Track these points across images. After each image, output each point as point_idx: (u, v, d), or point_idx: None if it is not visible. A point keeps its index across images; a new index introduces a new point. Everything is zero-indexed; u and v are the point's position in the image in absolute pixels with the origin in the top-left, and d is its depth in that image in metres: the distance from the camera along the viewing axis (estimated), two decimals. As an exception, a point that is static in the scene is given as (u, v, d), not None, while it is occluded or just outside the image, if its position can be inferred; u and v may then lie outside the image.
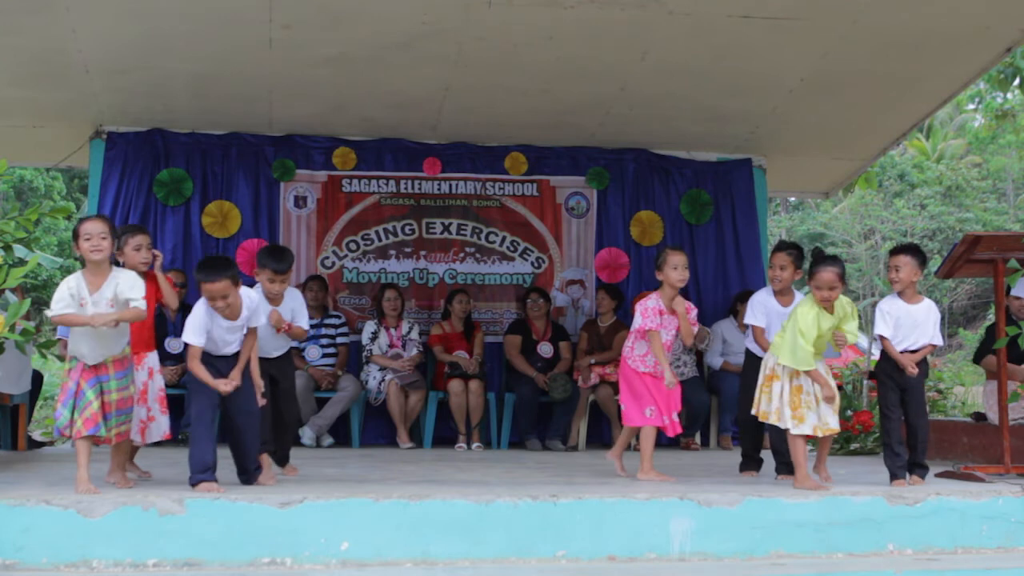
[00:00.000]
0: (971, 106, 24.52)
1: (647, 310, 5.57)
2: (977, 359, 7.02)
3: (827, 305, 5.04)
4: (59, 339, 7.62)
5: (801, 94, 7.73)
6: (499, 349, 8.62)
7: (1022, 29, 6.81)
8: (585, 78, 7.49)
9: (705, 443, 8.38)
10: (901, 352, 5.16)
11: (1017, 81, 9.85)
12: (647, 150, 9.04)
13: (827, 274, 5.00)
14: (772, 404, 5.10)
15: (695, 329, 5.84)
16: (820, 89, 7.63)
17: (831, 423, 5.06)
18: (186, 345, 4.83)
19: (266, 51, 6.95)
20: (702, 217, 9.05)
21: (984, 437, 6.61)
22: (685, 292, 8.76)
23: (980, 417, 6.79)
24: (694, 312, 5.77)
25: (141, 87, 7.61)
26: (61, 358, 7.32)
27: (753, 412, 5.24)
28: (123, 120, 8.27)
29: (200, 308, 4.77)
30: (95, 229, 4.56)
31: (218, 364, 4.87)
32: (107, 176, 8.31)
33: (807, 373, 5.01)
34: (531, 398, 8.09)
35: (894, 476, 5.10)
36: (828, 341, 5.10)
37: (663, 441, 8.45)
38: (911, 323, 5.20)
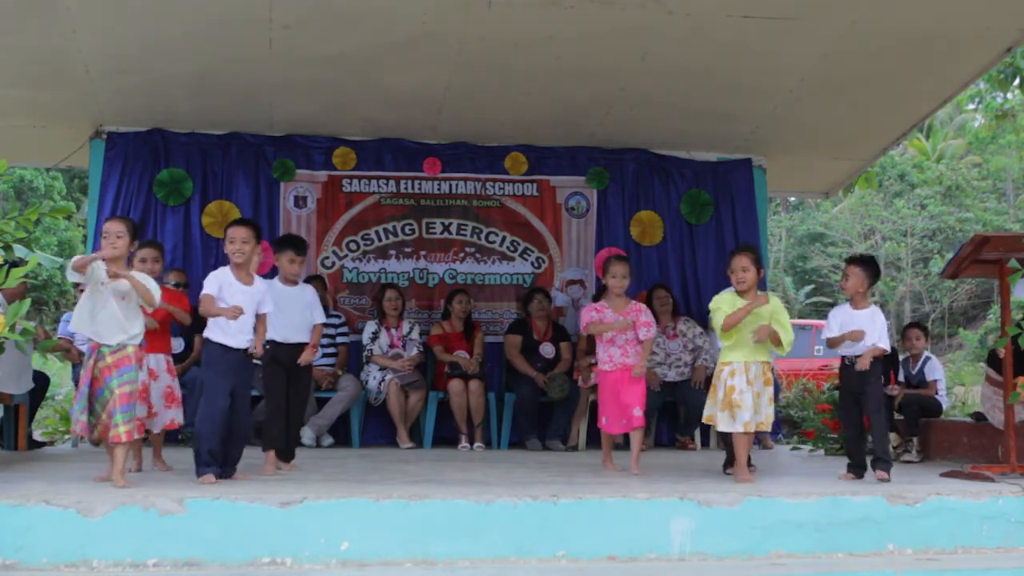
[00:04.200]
0: (971, 106, 24.52)
1: (582, 314, 6.23)
2: (994, 364, 6.63)
3: (743, 287, 5.51)
4: (60, 337, 7.64)
5: (801, 94, 7.73)
6: (499, 349, 8.62)
7: (1022, 29, 6.81)
8: (585, 78, 7.49)
9: (705, 443, 8.37)
10: (845, 355, 5.66)
11: (1017, 81, 9.85)
12: (647, 150, 9.04)
13: (739, 258, 5.54)
14: (714, 408, 5.52)
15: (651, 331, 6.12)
16: (820, 89, 7.64)
17: (765, 420, 5.46)
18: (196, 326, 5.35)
19: (266, 51, 6.95)
20: (702, 217, 9.05)
21: (984, 437, 6.61)
22: (685, 291, 8.85)
23: (980, 417, 6.79)
24: (642, 315, 6.09)
25: (141, 87, 7.61)
26: (67, 353, 7.40)
27: (704, 420, 5.68)
28: (123, 120, 8.27)
29: (218, 270, 5.24)
30: (113, 228, 4.83)
31: (229, 356, 5.09)
32: (107, 176, 8.31)
33: (731, 316, 5.40)
34: (531, 398, 8.10)
35: (848, 470, 5.63)
36: (761, 336, 5.42)
37: (663, 441, 8.51)
38: (854, 326, 5.60)
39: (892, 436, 7.37)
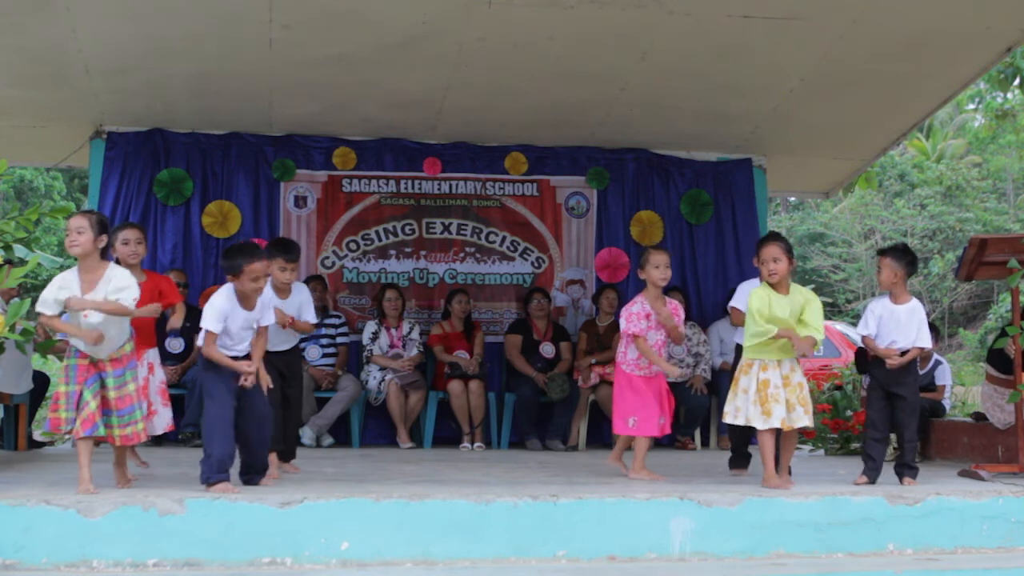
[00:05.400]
0: (971, 106, 24.52)
1: (631, 315, 5.66)
2: (1002, 368, 6.37)
3: (775, 280, 5.12)
4: (59, 339, 7.64)
5: (801, 94, 7.73)
6: (499, 349, 8.62)
7: (1022, 29, 6.82)
8: (585, 78, 7.49)
9: (705, 443, 8.38)
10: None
11: (1017, 81, 9.84)
12: (647, 150, 9.04)
13: (770, 248, 5.12)
14: (736, 402, 5.18)
15: (682, 329, 5.91)
16: (820, 89, 7.64)
17: (800, 420, 5.10)
18: (198, 346, 4.88)
19: (266, 51, 6.95)
20: (702, 217, 9.05)
21: (984, 437, 6.61)
22: (685, 291, 8.85)
23: (980, 417, 6.79)
24: (681, 314, 5.87)
25: (141, 87, 7.61)
26: (61, 355, 7.38)
27: (725, 419, 5.31)
28: (123, 120, 8.27)
29: (221, 296, 4.79)
30: (72, 224, 4.59)
31: (227, 370, 4.85)
32: (107, 176, 8.31)
33: (772, 339, 5.03)
34: (531, 398, 8.09)
35: (862, 473, 5.24)
36: (795, 337, 5.08)
37: (663, 441, 8.49)
38: (894, 322, 5.31)
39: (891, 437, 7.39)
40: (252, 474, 4.94)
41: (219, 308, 4.75)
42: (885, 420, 5.35)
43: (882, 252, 5.47)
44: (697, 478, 5.53)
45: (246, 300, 4.84)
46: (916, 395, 5.40)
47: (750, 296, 5.21)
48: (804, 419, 5.10)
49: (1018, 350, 5.62)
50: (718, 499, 4.45)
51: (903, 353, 5.29)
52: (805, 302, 5.17)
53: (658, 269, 5.67)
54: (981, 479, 5.32)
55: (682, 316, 5.87)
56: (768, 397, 5.07)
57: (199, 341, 4.88)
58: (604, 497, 4.41)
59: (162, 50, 6.96)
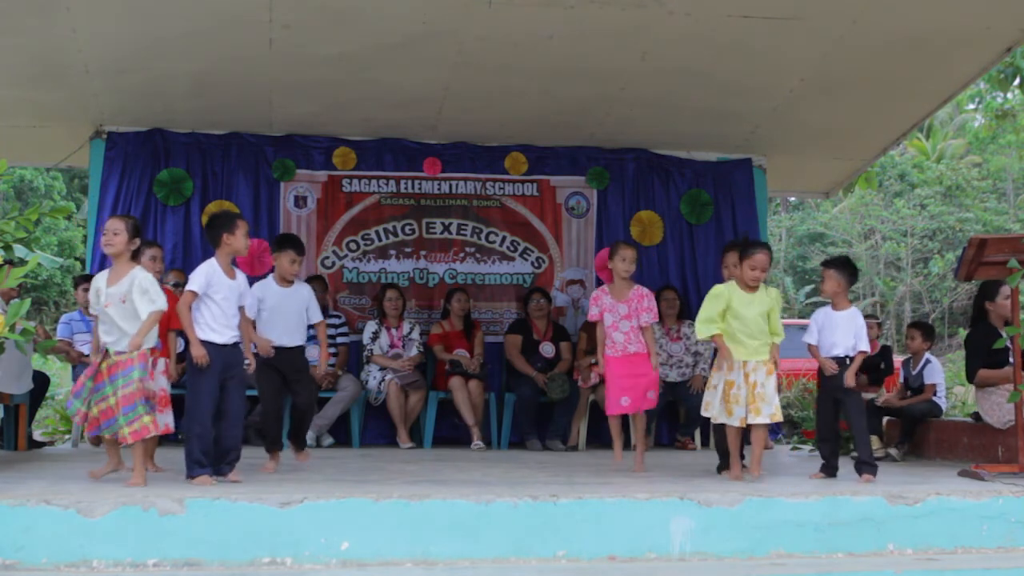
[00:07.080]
0: (971, 106, 24.50)
1: (591, 300, 6.14)
2: (970, 377, 6.65)
3: (755, 284, 5.50)
4: (60, 339, 7.64)
5: (801, 94, 7.73)
6: (499, 349, 8.62)
7: (1022, 29, 6.82)
8: (585, 78, 7.49)
9: (705, 443, 8.37)
10: (827, 356, 5.66)
11: (1017, 81, 9.84)
12: (647, 150, 9.04)
13: (761, 255, 5.50)
14: (707, 398, 5.58)
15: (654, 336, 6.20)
16: (820, 89, 7.64)
17: (755, 419, 5.40)
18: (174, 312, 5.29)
19: (266, 51, 6.96)
20: (702, 217, 9.05)
21: (984, 437, 6.61)
22: (685, 291, 8.85)
23: (980, 417, 6.79)
24: (647, 303, 6.08)
25: (141, 87, 7.61)
26: (67, 355, 7.41)
27: (703, 413, 5.68)
28: (123, 120, 8.27)
29: (204, 264, 5.22)
30: (109, 226, 4.95)
31: (216, 354, 5.09)
32: (107, 176, 8.32)
33: (713, 339, 5.48)
34: (531, 398, 8.10)
35: (819, 470, 5.70)
36: (761, 338, 5.47)
37: (663, 441, 8.50)
38: (832, 328, 5.66)
39: (873, 439, 7.40)
40: (222, 465, 5.11)
41: (202, 271, 5.16)
42: (831, 423, 5.76)
43: (826, 264, 5.87)
44: (697, 478, 5.53)
45: (227, 268, 5.21)
46: (858, 396, 5.74)
47: (715, 288, 5.61)
48: (759, 418, 5.41)
49: (1017, 350, 5.63)
50: (718, 499, 4.45)
51: (851, 360, 5.60)
52: (772, 306, 5.53)
53: (624, 262, 6.01)
54: (981, 479, 5.32)
55: (649, 306, 6.05)
56: (731, 397, 5.43)
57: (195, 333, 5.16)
58: (604, 497, 4.41)
59: (162, 50, 6.96)
